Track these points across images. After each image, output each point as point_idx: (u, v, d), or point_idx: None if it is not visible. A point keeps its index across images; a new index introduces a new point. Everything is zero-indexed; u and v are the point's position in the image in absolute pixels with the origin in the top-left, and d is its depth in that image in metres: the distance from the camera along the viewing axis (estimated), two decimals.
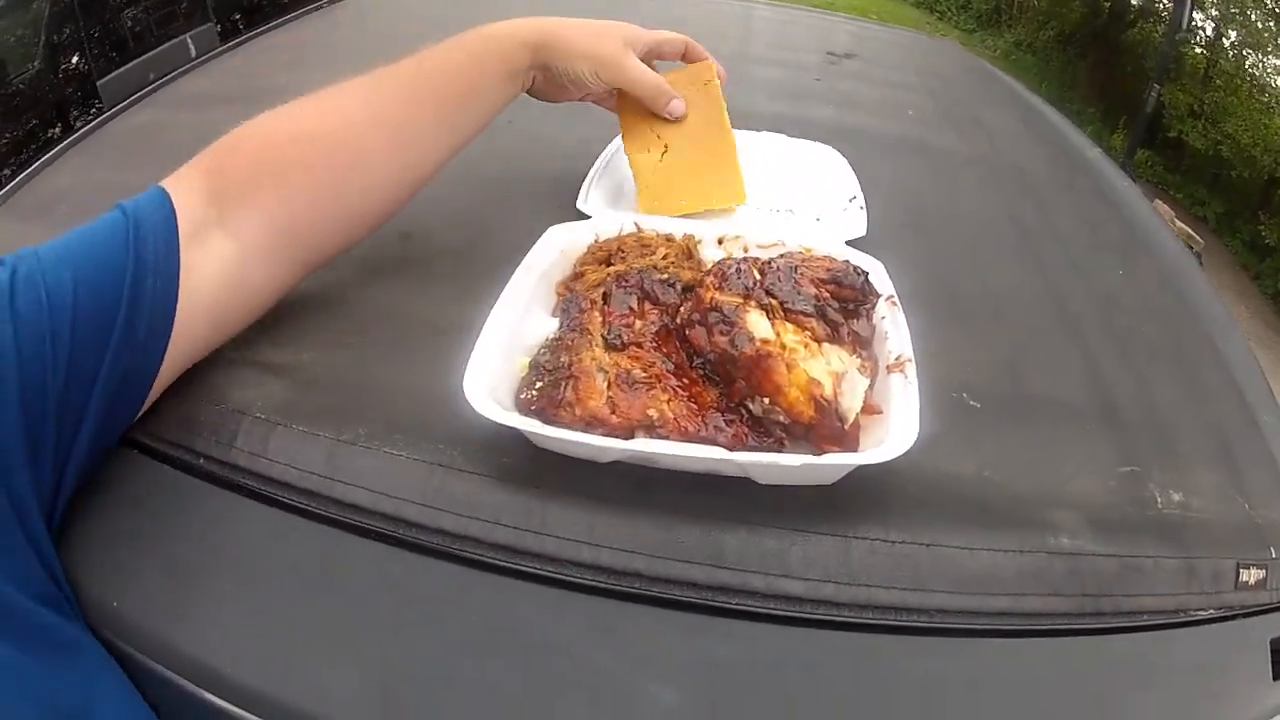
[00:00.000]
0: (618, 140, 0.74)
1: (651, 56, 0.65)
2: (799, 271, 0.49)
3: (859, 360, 0.47)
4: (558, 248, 0.59)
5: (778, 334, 0.46)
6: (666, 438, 0.46)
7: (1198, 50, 4.13)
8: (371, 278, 0.61)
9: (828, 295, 0.48)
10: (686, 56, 0.68)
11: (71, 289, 0.41)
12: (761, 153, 0.81)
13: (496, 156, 0.75)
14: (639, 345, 0.49)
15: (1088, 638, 0.47)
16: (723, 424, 0.46)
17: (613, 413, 0.46)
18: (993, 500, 0.50)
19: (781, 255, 0.51)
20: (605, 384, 0.47)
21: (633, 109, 0.71)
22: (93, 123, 0.83)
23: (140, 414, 0.46)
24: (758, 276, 0.48)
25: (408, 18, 1.29)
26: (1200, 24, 3.91)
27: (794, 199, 0.74)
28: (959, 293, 0.70)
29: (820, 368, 0.45)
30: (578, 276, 0.56)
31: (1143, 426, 0.58)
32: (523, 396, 0.46)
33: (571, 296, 0.53)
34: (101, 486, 0.47)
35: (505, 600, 0.44)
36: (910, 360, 0.50)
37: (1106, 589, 0.47)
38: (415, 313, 0.58)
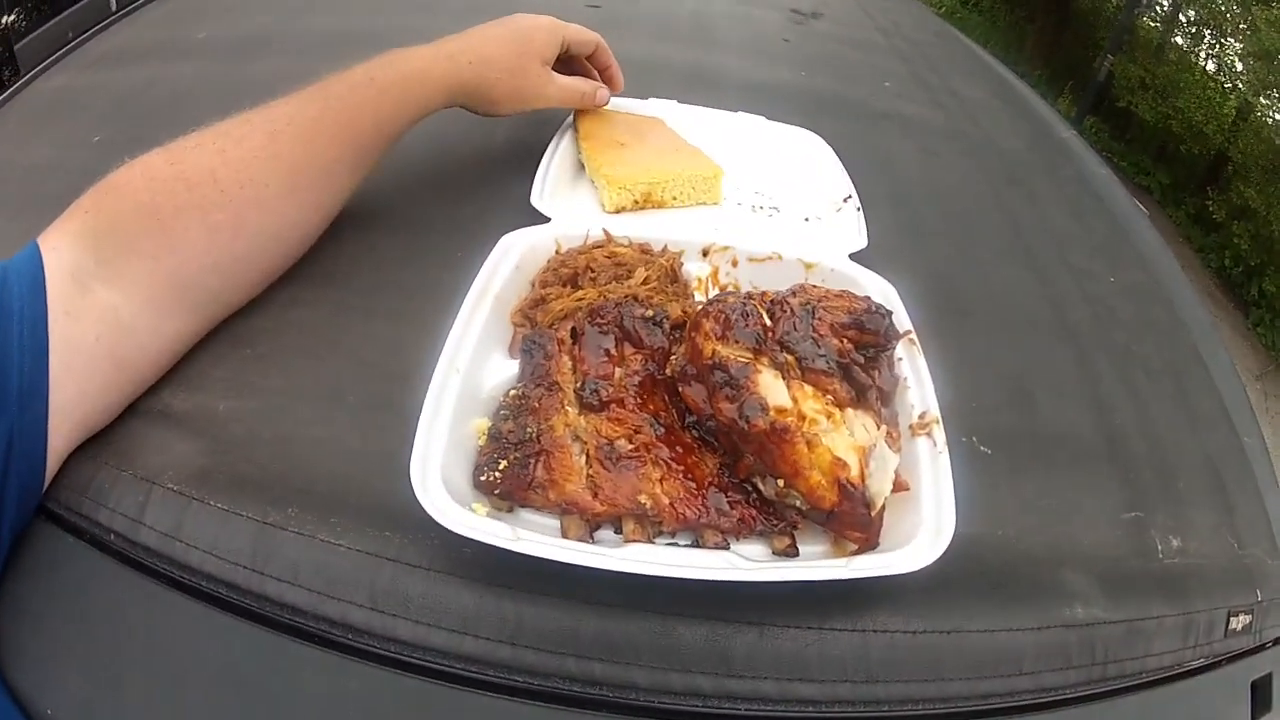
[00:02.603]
0: (569, 121, 0.70)
1: (566, 54, 0.67)
2: (816, 316, 0.42)
3: (885, 429, 0.41)
4: (512, 262, 0.50)
5: (795, 400, 0.39)
6: (659, 522, 0.39)
7: (1151, 24, 4.17)
8: (288, 294, 0.54)
9: (849, 346, 0.42)
10: (594, 58, 0.70)
11: None
12: (739, 137, 0.74)
13: (432, 141, 0.67)
14: (620, 403, 0.42)
15: (1096, 703, 0.47)
16: (726, 506, 0.40)
17: (595, 496, 0.38)
18: (1009, 567, 0.48)
19: (792, 292, 0.44)
20: (584, 458, 0.39)
21: (589, 119, 0.70)
22: (7, 91, 0.77)
23: (46, 484, 0.42)
24: (767, 322, 0.41)
25: None
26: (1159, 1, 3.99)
27: (778, 194, 0.67)
28: (960, 300, 0.67)
29: (845, 442, 0.39)
30: (538, 302, 0.48)
31: (1144, 460, 0.59)
32: (483, 479, 0.39)
33: (534, 335, 0.44)
34: (19, 561, 0.42)
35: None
36: (938, 421, 0.44)
37: (1115, 654, 0.47)
38: (342, 343, 0.51)
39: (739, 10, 1.23)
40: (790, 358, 0.40)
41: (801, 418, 0.39)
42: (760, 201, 0.66)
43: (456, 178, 0.67)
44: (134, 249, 0.45)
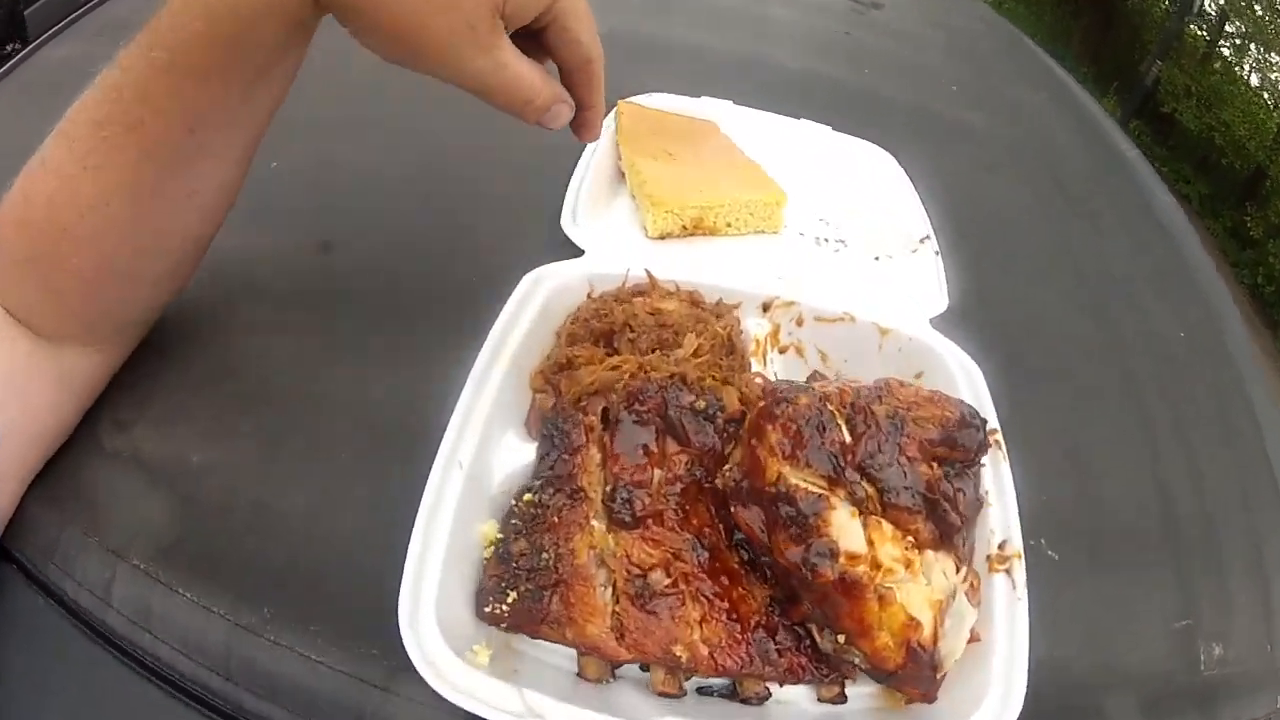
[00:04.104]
0: (597, 149, 0.56)
1: (537, 28, 0.38)
2: (905, 431, 0.33)
3: (965, 572, 0.33)
4: (535, 308, 0.41)
5: (871, 543, 0.31)
6: (694, 671, 0.31)
7: (1199, 32, 3.99)
8: (274, 316, 0.47)
9: (939, 473, 0.33)
10: (574, 81, 0.41)
11: None
12: (802, 149, 0.64)
13: (443, 136, 0.59)
14: (658, 517, 0.33)
15: None
16: (773, 653, 0.32)
17: (621, 639, 0.31)
18: (1062, 695, 0.43)
19: (878, 394, 0.35)
20: (610, 589, 0.32)
21: (634, 121, 0.59)
22: (11, 61, 0.70)
23: (8, 507, 0.38)
24: (846, 438, 0.32)
25: None
26: (1207, 6, 3.78)
27: (846, 225, 0.58)
28: (1031, 361, 0.60)
29: (920, 596, 0.31)
30: (564, 366, 0.39)
31: (1199, 552, 0.55)
32: (489, 610, 0.31)
33: (557, 418, 0.36)
34: None
35: None
36: (1019, 555, 0.36)
37: None
38: (331, 387, 0.44)
39: None
40: (871, 489, 0.32)
41: (876, 566, 0.31)
42: (825, 232, 0.57)
43: (472, 183, 0.58)
44: (21, 300, 0.39)
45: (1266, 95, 3.72)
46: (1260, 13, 3.76)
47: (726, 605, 0.32)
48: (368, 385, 0.44)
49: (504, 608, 0.31)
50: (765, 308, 0.45)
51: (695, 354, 0.39)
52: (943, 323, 0.50)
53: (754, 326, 0.45)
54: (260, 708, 0.33)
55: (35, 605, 0.37)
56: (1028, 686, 0.37)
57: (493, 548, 0.33)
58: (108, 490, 0.39)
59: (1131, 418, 0.60)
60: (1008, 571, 0.37)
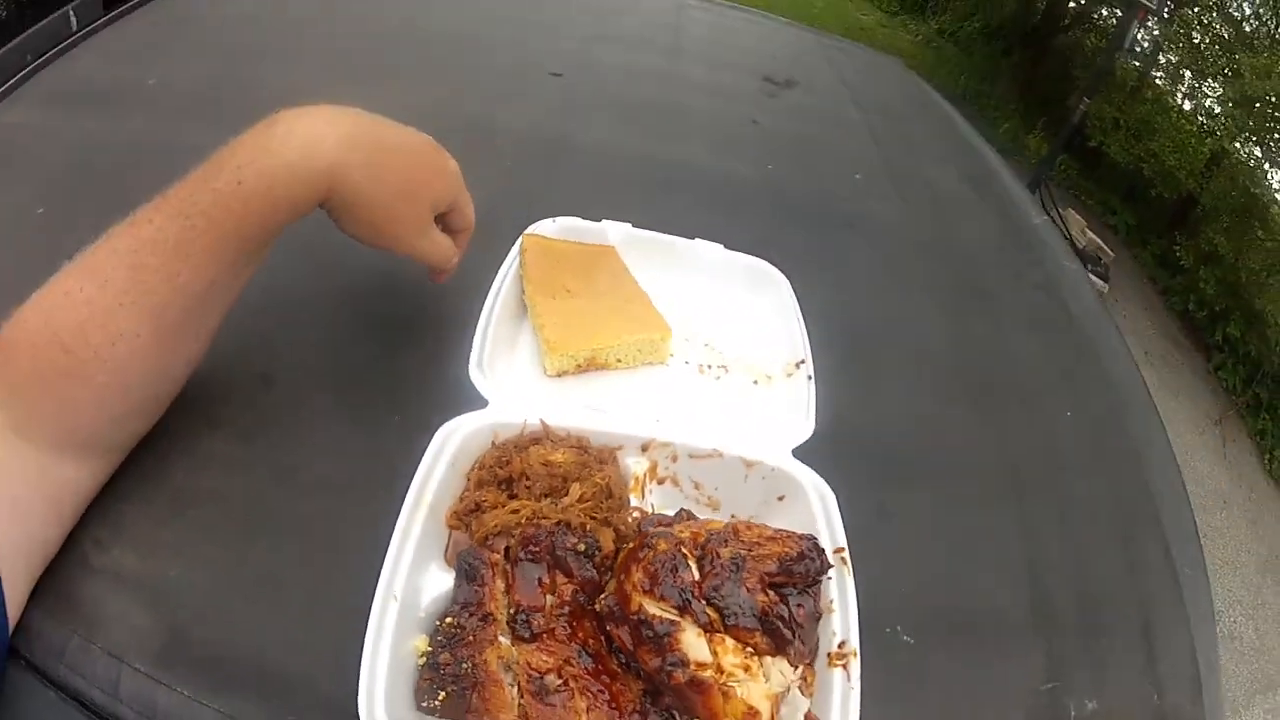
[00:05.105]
0: (504, 283, 0.67)
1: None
2: (745, 568, 0.45)
3: (802, 670, 0.45)
4: (447, 459, 0.52)
5: (715, 654, 0.43)
6: None
7: (1131, 65, 4.24)
8: (228, 455, 0.57)
9: (776, 600, 0.45)
10: (455, 239, 0.64)
11: None
12: (694, 271, 0.75)
13: (357, 293, 0.70)
14: (551, 633, 0.46)
15: None
16: None
17: None
18: None
19: (724, 538, 0.47)
20: (516, 688, 0.43)
21: (537, 254, 0.69)
22: None
23: (10, 624, 0.45)
24: (695, 576, 0.44)
25: None
26: (1140, 39, 4.01)
27: (729, 350, 0.69)
28: (910, 467, 0.69)
29: (759, 691, 0.43)
30: (473, 510, 0.50)
31: (1071, 623, 0.62)
32: (425, 705, 0.43)
33: (469, 557, 0.48)
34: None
35: None
36: (855, 654, 0.48)
37: None
38: (283, 519, 0.54)
39: (711, 81, 1.22)
40: (714, 615, 0.44)
41: (720, 670, 0.43)
42: (709, 359, 0.68)
43: (398, 320, 0.69)
44: (33, 412, 0.47)
45: (1201, 119, 3.94)
46: (1197, 40, 4.02)
47: (608, 697, 0.44)
48: (312, 519, 0.53)
49: (436, 703, 0.42)
50: (644, 448, 0.56)
51: (580, 500, 0.50)
52: (810, 447, 0.58)
53: (634, 464, 0.56)
54: None
55: (49, 700, 0.45)
56: None
57: (424, 658, 0.44)
58: (100, 603, 0.48)
59: (1011, 508, 0.69)
60: (844, 666, 0.48)
